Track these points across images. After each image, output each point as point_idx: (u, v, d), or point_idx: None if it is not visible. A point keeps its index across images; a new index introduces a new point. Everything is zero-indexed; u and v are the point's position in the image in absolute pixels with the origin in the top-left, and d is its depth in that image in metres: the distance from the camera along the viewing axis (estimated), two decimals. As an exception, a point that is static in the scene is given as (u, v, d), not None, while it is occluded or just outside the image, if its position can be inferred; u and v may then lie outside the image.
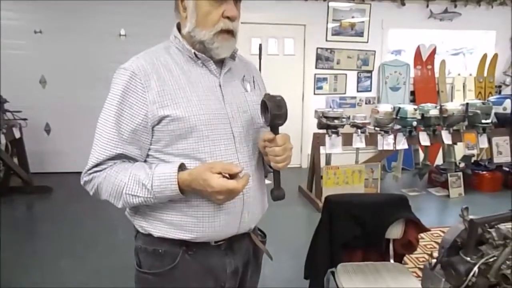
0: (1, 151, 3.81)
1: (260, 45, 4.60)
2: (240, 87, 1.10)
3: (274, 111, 0.96)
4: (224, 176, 0.93)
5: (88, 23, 4.69)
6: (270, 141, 0.99)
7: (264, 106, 1.00)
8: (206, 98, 1.01)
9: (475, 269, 1.08)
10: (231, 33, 1.01)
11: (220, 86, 1.05)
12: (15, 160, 4.19)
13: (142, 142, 0.99)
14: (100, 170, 0.98)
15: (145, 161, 1.03)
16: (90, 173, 0.99)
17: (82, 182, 1.02)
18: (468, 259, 1.11)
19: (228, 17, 0.99)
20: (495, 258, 1.08)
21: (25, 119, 4.06)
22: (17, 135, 4.04)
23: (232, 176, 0.94)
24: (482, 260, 1.09)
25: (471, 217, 1.18)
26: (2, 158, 3.92)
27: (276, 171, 1.03)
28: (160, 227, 1.02)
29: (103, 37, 4.76)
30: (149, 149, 1.01)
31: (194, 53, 1.03)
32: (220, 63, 1.07)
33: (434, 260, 1.22)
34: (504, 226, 1.17)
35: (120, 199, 0.97)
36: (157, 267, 1.03)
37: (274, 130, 0.99)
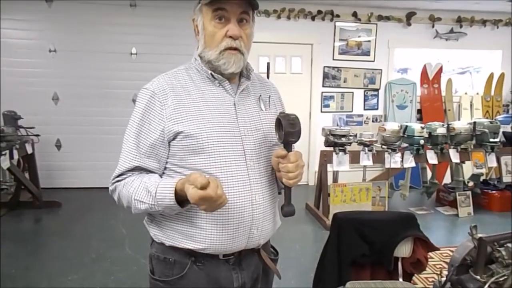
0: (13, 166, 3.86)
1: (268, 63, 4.62)
2: (255, 106, 1.14)
3: (287, 128, 1.00)
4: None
5: (100, 43, 4.83)
6: (283, 158, 1.02)
7: (278, 124, 1.04)
8: (219, 116, 1.06)
9: (485, 288, 1.08)
10: (237, 50, 1.06)
11: (234, 105, 1.09)
12: (27, 175, 4.24)
13: (160, 156, 1.06)
14: (121, 180, 1.06)
15: (163, 173, 1.08)
16: (113, 183, 1.07)
17: (109, 192, 1.10)
18: (478, 277, 1.11)
19: (230, 36, 1.04)
20: (505, 277, 1.08)
21: (37, 135, 4.14)
22: (29, 150, 4.09)
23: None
24: (492, 279, 1.09)
25: (480, 235, 1.18)
26: (14, 173, 3.98)
27: (288, 188, 1.06)
28: (172, 236, 1.06)
29: (115, 56, 4.88)
30: (167, 163, 1.07)
31: (211, 73, 1.08)
32: (237, 83, 1.12)
33: (443, 279, 1.22)
34: (514, 245, 1.17)
35: (131, 205, 1.03)
36: (167, 275, 1.08)
37: (287, 147, 1.03)
